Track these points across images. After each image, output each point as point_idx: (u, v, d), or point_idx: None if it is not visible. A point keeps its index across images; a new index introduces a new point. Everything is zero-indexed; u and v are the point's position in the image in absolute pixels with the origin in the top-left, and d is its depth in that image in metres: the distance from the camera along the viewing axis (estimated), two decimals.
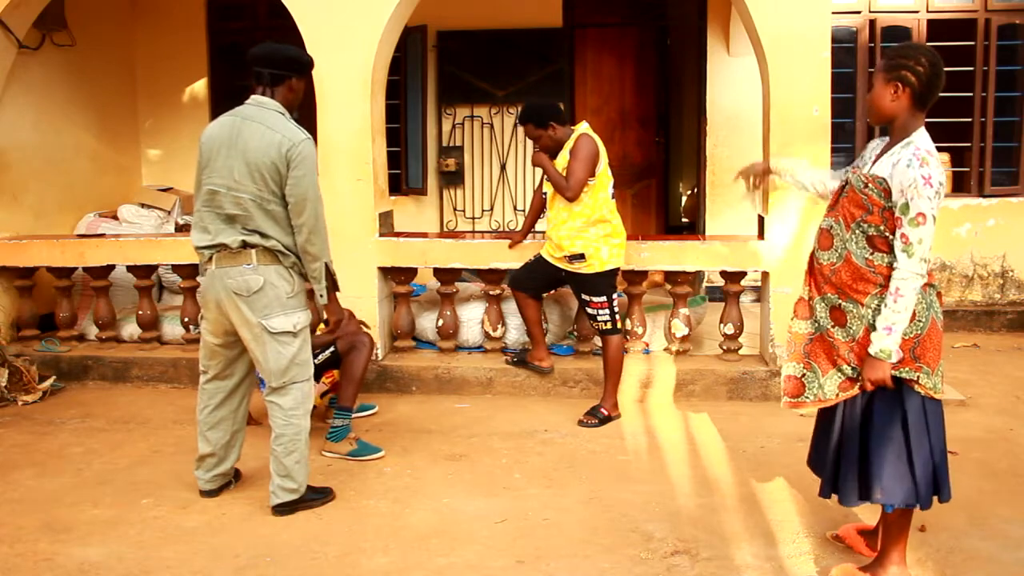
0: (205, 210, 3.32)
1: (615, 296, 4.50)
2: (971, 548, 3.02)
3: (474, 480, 3.75)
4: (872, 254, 2.65)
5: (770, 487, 3.59)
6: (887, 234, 2.61)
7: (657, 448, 4.13)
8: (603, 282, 4.44)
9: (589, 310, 4.50)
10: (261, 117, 3.26)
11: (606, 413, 4.47)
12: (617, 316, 4.50)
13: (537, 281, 4.72)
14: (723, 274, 5.01)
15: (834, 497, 2.84)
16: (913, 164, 2.54)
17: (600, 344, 4.63)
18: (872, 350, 2.62)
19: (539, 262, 4.65)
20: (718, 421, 4.43)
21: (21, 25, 5.63)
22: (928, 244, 2.55)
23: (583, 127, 4.40)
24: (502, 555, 3.05)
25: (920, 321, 2.61)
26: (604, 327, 4.49)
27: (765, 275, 4.93)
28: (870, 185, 2.63)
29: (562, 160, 4.39)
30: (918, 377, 2.62)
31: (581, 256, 4.38)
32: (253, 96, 3.33)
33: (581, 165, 4.29)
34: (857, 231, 2.68)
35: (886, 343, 2.59)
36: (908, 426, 2.65)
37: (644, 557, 3.01)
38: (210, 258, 3.32)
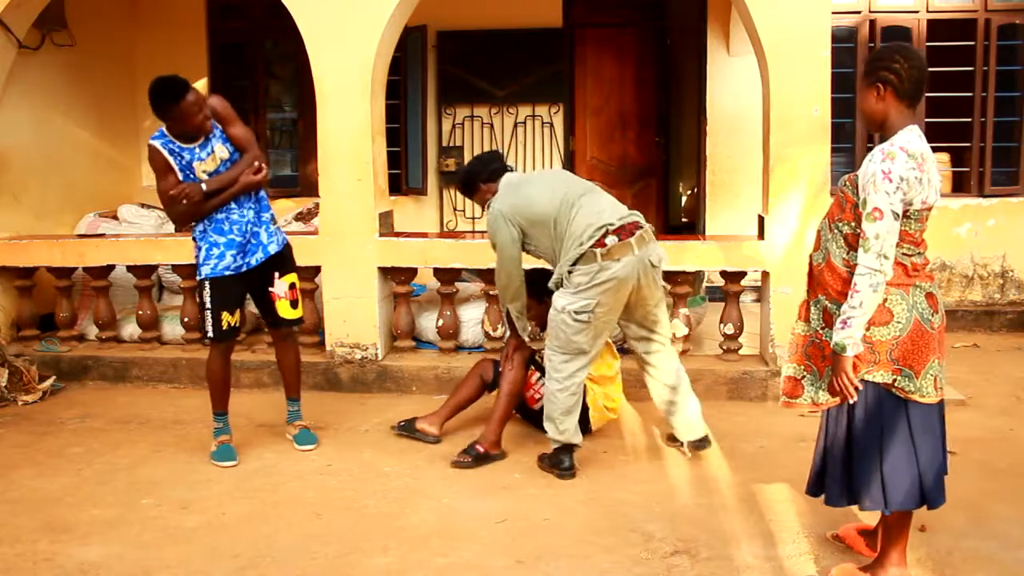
0: None
1: None
2: (971, 548, 3.02)
3: (474, 480, 3.75)
4: (848, 253, 2.64)
5: (770, 487, 3.59)
6: (858, 231, 2.59)
7: (657, 448, 4.13)
8: None
9: None
10: None
11: None
12: None
13: None
14: (723, 274, 5.00)
15: (822, 496, 2.84)
16: (875, 159, 2.54)
17: None
18: (831, 344, 2.63)
19: None
20: (718, 421, 4.42)
21: (21, 25, 5.62)
22: (887, 240, 2.50)
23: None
24: (502, 555, 3.05)
25: (899, 322, 2.59)
26: None
27: (765, 275, 4.92)
28: (847, 183, 2.64)
29: None
30: (894, 380, 2.61)
31: None
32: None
33: None
34: (835, 230, 2.68)
35: (840, 336, 2.58)
36: (883, 430, 2.65)
37: (644, 557, 3.01)
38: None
